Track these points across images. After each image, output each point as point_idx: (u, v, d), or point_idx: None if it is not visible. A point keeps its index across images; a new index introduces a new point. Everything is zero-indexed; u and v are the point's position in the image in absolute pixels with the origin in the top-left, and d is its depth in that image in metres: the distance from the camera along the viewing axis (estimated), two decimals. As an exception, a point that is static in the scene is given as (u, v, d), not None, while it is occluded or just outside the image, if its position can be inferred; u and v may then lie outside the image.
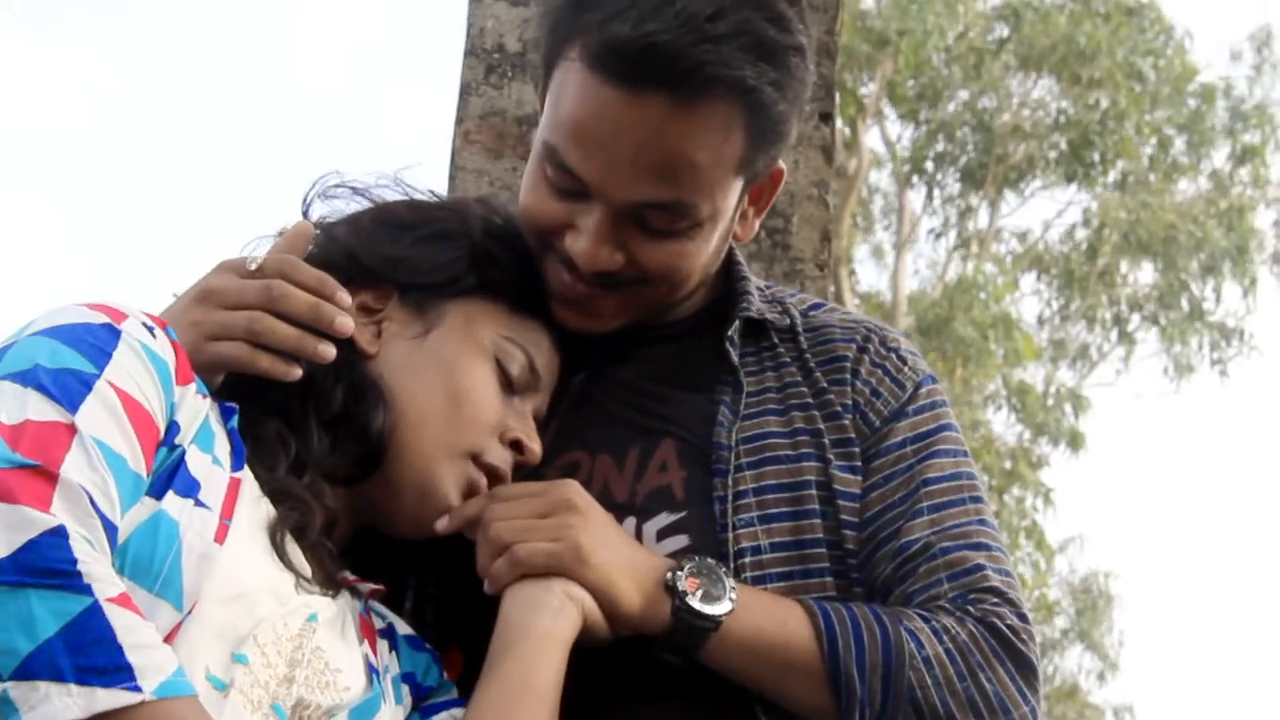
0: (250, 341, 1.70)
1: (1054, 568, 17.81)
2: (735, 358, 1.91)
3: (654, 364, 1.95)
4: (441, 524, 1.78)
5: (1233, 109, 18.36)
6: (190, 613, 1.49)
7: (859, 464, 1.86)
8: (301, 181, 1.90)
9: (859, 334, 1.95)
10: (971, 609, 1.77)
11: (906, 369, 1.93)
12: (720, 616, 1.73)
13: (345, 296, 1.76)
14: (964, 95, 17.97)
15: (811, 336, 1.95)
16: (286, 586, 1.62)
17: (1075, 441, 16.92)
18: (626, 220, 1.79)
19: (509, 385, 1.82)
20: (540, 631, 1.71)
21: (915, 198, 18.95)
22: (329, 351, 1.73)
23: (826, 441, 1.86)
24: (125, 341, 1.56)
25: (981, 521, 1.84)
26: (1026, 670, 1.77)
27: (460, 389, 1.79)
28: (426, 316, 1.83)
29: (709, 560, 1.75)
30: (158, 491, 1.54)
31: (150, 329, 1.60)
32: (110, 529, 1.44)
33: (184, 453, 1.57)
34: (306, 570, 1.66)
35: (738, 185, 1.84)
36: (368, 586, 1.79)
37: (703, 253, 1.85)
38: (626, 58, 1.70)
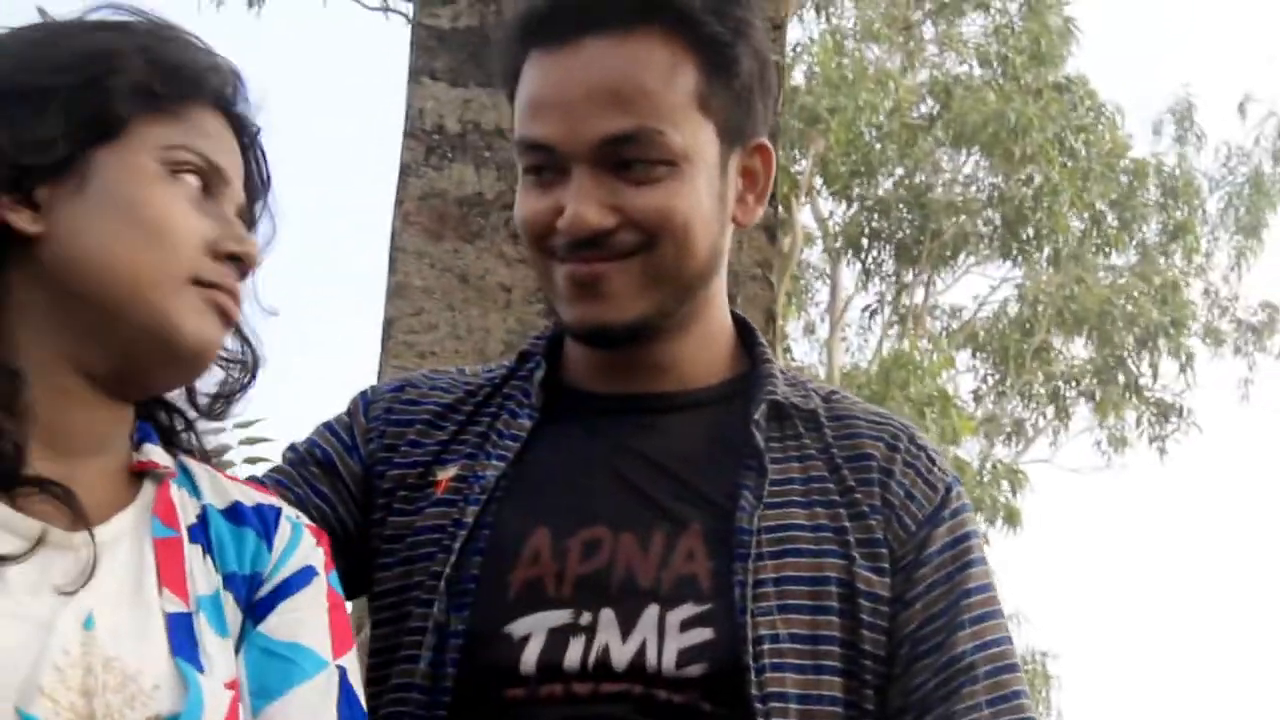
0: None
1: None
2: (761, 442, 1.87)
3: (677, 438, 1.89)
4: None
5: (1163, 185, 18.57)
6: None
7: (886, 565, 1.83)
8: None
9: (888, 431, 1.92)
10: None
11: (936, 470, 1.91)
12: None
13: None
14: (898, 172, 18.10)
15: (836, 427, 1.91)
16: (44, 598, 1.38)
17: (1012, 518, 16.95)
18: (605, 173, 1.80)
19: (195, 193, 1.57)
20: None
21: (848, 274, 19.06)
22: None
23: (851, 539, 1.82)
24: None
25: (1009, 639, 1.88)
26: None
27: (149, 221, 1.52)
28: (76, 169, 1.53)
29: None
30: None
31: None
32: None
33: None
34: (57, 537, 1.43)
35: (708, 130, 1.83)
36: (159, 473, 1.55)
37: (694, 202, 1.81)
38: (553, 20, 1.81)
